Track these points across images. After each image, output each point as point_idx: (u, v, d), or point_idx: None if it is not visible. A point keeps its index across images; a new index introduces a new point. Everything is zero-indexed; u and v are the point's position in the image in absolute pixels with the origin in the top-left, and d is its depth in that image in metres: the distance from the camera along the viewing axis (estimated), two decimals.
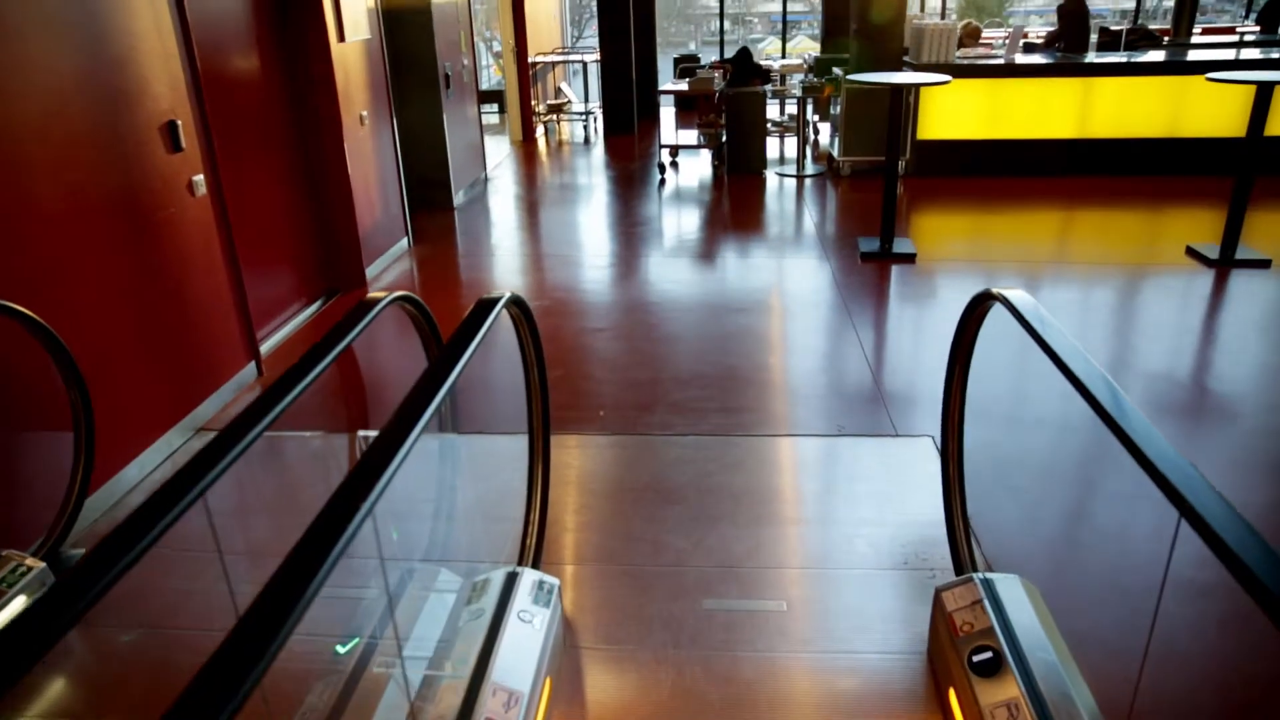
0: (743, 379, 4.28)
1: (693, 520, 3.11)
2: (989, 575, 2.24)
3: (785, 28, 16.04)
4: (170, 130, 3.73)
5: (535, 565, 2.59)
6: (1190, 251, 5.94)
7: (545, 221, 7.46)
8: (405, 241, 6.56)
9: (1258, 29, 11.07)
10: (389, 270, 6.10)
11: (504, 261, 6.33)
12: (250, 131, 4.79)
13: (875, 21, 7.73)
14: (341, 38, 5.42)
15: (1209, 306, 5.11)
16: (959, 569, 2.58)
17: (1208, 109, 8.00)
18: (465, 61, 8.06)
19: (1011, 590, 2.16)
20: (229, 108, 4.49)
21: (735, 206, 7.60)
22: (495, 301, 2.08)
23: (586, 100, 12.31)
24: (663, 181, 8.46)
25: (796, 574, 2.85)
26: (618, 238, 6.80)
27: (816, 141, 10.16)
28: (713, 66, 9.12)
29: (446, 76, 7.50)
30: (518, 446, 2.76)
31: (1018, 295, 2.10)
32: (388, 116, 6.24)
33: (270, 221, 5.01)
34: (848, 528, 3.05)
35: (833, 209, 7.46)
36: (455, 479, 2.81)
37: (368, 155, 5.87)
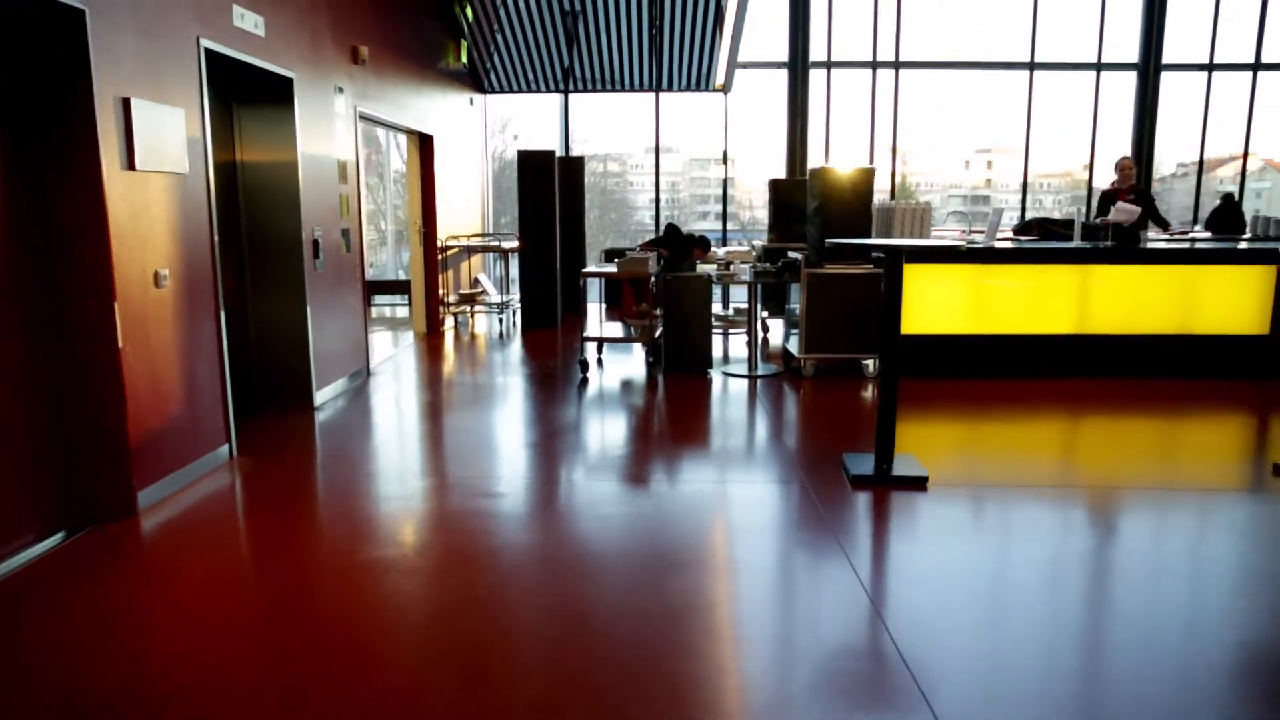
0: (702, 704, 2.47)
1: None
2: None
3: (725, 236, 15.26)
4: None
5: None
6: None
7: (430, 430, 5.74)
8: (225, 450, 4.75)
9: (1208, 234, 10.42)
10: (187, 492, 4.25)
11: (350, 483, 4.54)
12: None
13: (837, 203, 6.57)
14: (131, 164, 3.86)
15: None
16: None
17: (1221, 303, 6.90)
18: (346, 229, 6.60)
19: None
20: None
21: (676, 413, 6.01)
22: None
23: (505, 291, 10.97)
24: (584, 381, 6.90)
25: None
26: (519, 453, 5.09)
27: (766, 340, 8.85)
28: (643, 247, 7.86)
29: (315, 244, 5.99)
30: None
31: None
32: (210, 281, 4.61)
33: None
34: None
35: (798, 418, 5.92)
36: None
37: (164, 327, 4.17)
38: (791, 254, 7.17)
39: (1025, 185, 12.53)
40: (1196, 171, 12.58)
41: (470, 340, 9.18)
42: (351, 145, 6.77)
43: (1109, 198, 8.07)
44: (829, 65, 11.68)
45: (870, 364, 6.87)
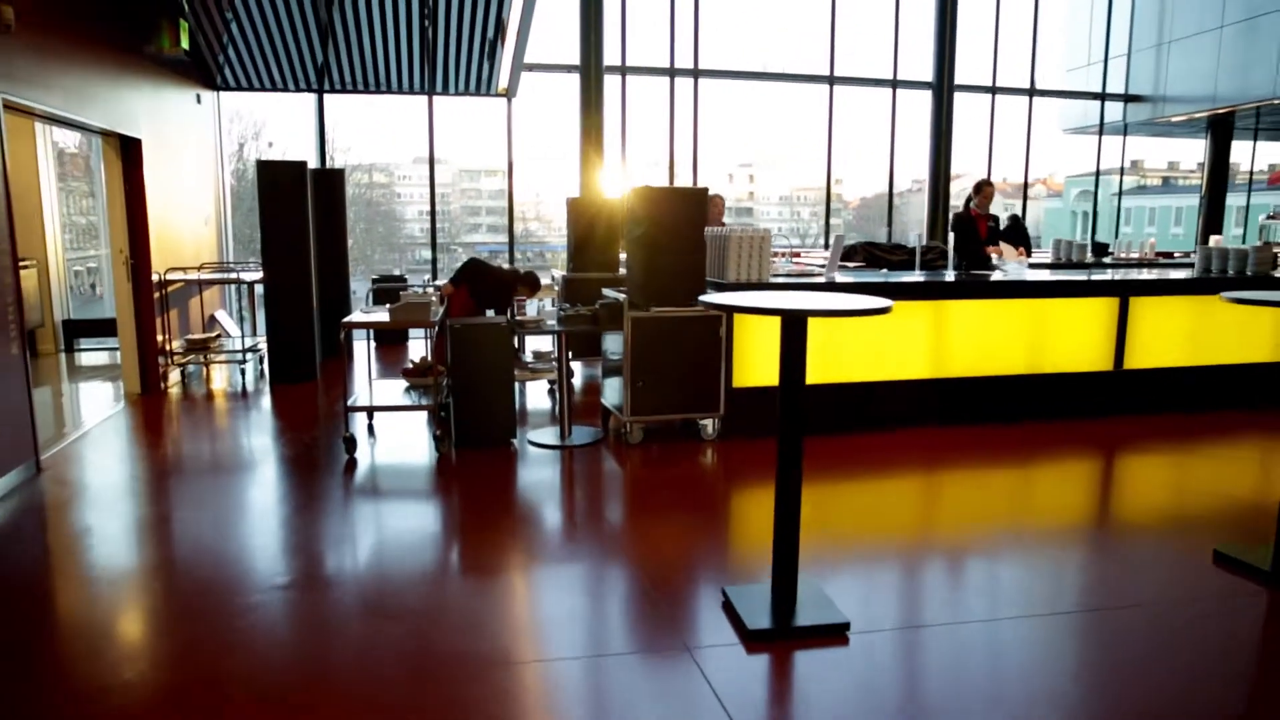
0: None
1: None
2: None
3: (512, 254, 13.89)
4: None
5: None
6: (1222, 559, 3.77)
7: (125, 574, 3.94)
8: None
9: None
10: None
11: None
12: None
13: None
14: None
15: None
16: None
17: (1067, 339, 6.39)
18: None
19: None
20: None
21: (474, 516, 4.55)
22: None
23: (253, 333, 9.00)
24: (351, 463, 5.29)
25: None
26: (256, 617, 3.46)
27: (571, 386, 7.55)
28: (444, 293, 6.26)
29: None
30: None
31: None
32: None
33: None
34: None
35: (638, 511, 4.64)
36: None
37: None
38: (608, 292, 5.91)
39: (829, 198, 12.04)
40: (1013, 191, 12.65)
41: (204, 401, 7.21)
42: None
43: (965, 221, 7.45)
44: (624, 70, 10.60)
45: (709, 424, 5.73)
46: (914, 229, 14.67)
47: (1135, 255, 9.93)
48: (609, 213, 8.22)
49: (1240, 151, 13.83)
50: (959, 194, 12.11)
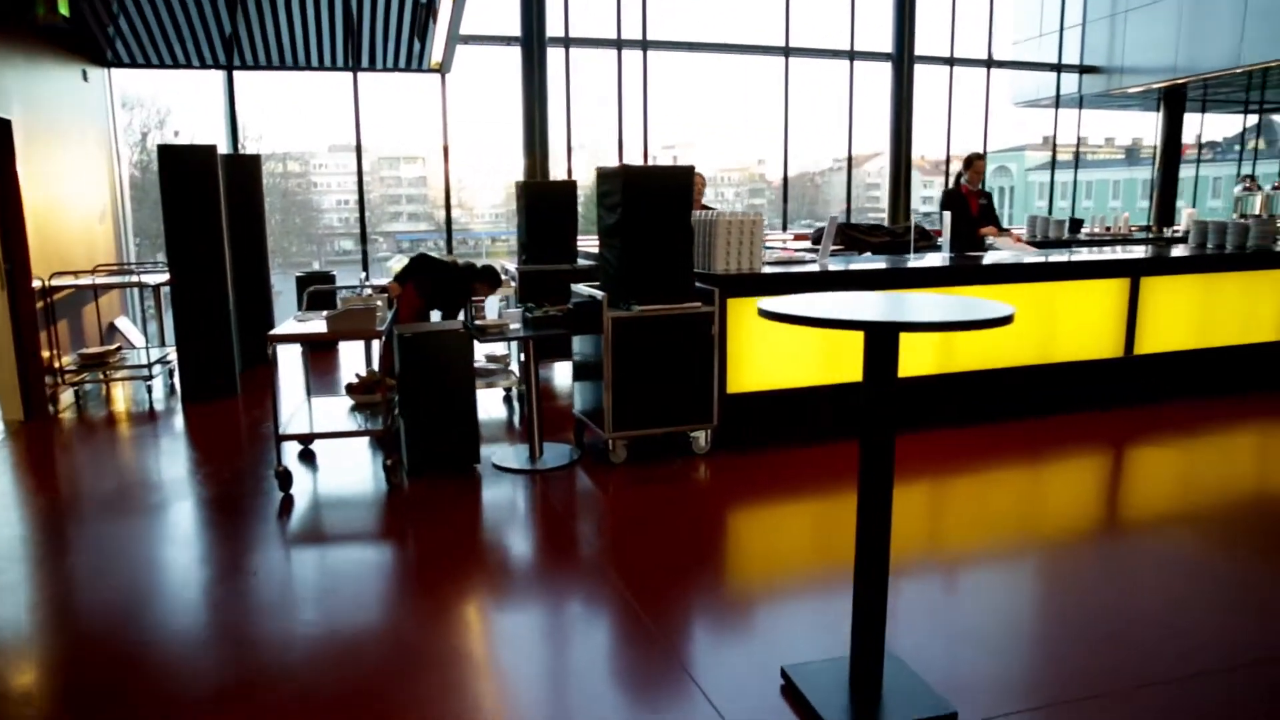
0: None
1: None
2: None
3: (450, 242, 12.95)
4: None
5: None
6: None
7: None
8: None
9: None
10: None
11: None
12: None
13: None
14: None
15: None
16: None
17: (1074, 324, 5.87)
18: None
19: None
20: None
21: (436, 567, 3.75)
22: None
23: (161, 343, 7.96)
24: (287, 501, 4.43)
25: None
26: None
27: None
28: (392, 293, 5.34)
29: None
30: None
31: None
32: None
33: None
34: None
35: (634, 551, 3.89)
36: None
37: None
38: (581, 289, 5.13)
39: (786, 176, 11.41)
40: (945, 166, 12.19)
41: (104, 427, 6.20)
42: None
43: (956, 199, 6.90)
44: (567, 42, 9.76)
45: (701, 437, 5.02)
46: (835, 208, 14.13)
47: (1108, 231, 9.55)
48: (563, 196, 7.45)
49: (1190, 123, 13.67)
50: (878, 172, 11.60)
